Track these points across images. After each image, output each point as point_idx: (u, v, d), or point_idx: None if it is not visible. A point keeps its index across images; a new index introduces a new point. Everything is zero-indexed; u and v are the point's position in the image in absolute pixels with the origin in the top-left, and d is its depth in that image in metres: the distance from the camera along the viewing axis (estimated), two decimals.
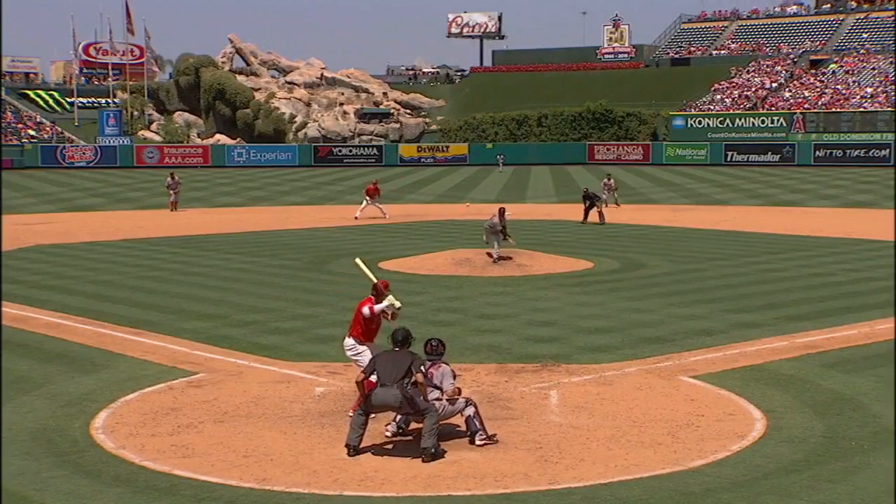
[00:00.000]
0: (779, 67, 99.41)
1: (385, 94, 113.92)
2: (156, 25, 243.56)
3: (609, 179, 46.70)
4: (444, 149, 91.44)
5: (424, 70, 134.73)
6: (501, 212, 26.40)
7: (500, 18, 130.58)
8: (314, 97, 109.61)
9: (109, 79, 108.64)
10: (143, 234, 35.54)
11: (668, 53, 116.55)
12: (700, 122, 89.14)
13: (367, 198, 41.83)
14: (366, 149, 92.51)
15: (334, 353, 15.26)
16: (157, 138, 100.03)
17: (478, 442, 11.18)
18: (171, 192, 46.24)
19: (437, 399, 11.16)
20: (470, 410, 11.38)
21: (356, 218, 40.32)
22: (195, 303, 20.66)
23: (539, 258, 26.74)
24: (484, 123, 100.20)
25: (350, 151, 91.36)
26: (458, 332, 17.29)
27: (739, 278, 23.95)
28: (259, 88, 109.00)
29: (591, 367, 14.88)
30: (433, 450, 10.74)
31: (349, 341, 12.87)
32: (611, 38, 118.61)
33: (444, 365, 11.35)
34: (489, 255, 25.62)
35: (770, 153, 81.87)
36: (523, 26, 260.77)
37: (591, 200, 39.16)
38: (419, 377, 10.92)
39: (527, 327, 17.82)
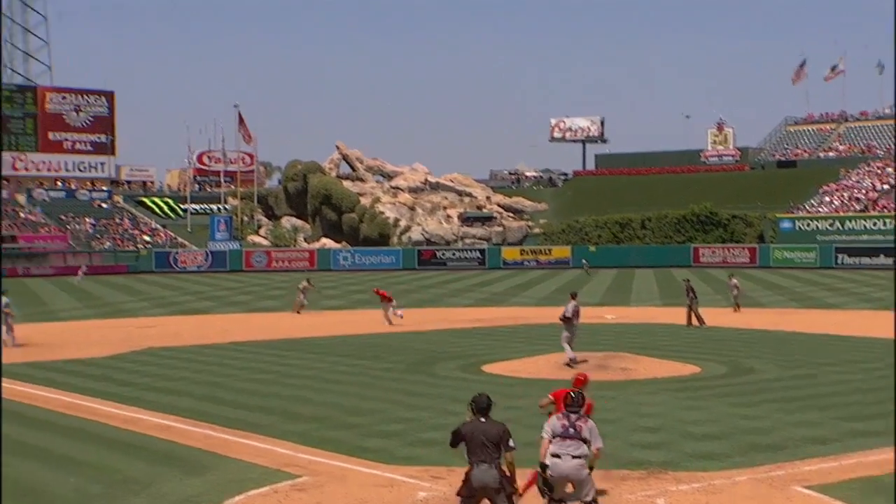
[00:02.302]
0: (890, 169, 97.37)
1: (488, 197, 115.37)
2: (265, 133, 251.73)
3: (732, 279, 46.21)
4: (547, 252, 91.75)
5: (527, 174, 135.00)
6: (574, 295, 26.65)
7: (602, 123, 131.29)
8: (418, 201, 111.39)
9: (221, 185, 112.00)
10: (252, 336, 35.81)
11: (774, 155, 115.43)
12: (808, 225, 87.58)
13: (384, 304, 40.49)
14: (469, 252, 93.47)
15: (437, 456, 15.06)
16: (266, 243, 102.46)
17: None
18: (302, 294, 46.36)
19: (585, 455, 10.94)
20: (593, 493, 11.13)
21: (397, 317, 39.80)
22: (300, 405, 20.69)
23: (643, 362, 26.24)
24: (587, 226, 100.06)
25: (453, 254, 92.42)
26: None
27: (853, 384, 23.07)
28: (364, 193, 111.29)
29: (699, 474, 14.37)
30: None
31: None
32: (715, 141, 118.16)
33: (589, 419, 11.13)
34: (569, 363, 25.05)
35: (882, 256, 79.74)
36: (626, 130, 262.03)
37: (692, 294, 38.36)
38: (510, 457, 10.50)
39: (632, 433, 17.41)
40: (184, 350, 31.67)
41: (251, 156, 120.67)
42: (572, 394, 11.13)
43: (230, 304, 52.57)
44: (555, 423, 10.91)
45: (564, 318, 25.90)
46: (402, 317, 40.26)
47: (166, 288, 65.71)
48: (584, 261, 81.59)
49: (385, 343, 32.89)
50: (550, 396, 13.65)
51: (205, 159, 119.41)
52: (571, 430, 10.86)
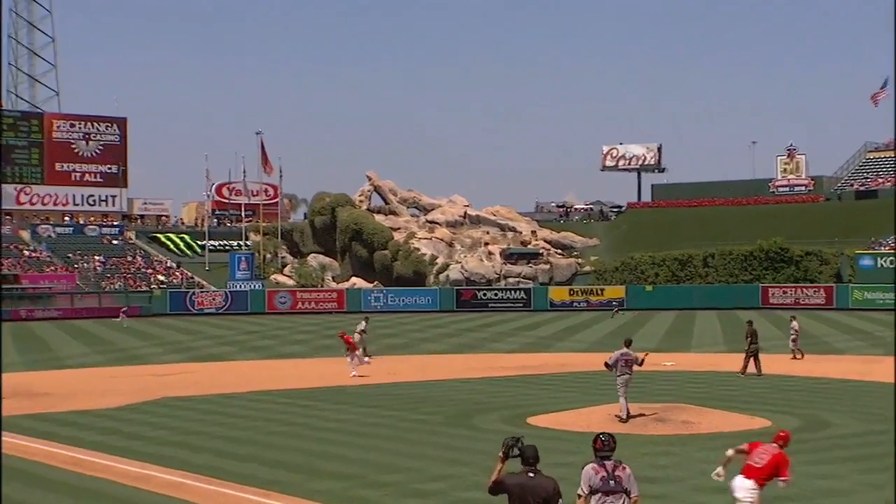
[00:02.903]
0: None
1: (534, 232, 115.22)
2: (290, 163, 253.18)
3: (793, 321, 45.70)
4: (599, 292, 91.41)
5: (576, 206, 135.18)
6: (628, 343, 26.43)
7: (659, 150, 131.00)
8: (457, 237, 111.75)
9: (242, 220, 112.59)
10: (275, 385, 35.99)
11: (852, 185, 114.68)
12: (891, 262, 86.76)
13: (349, 352, 39.84)
14: (513, 292, 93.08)
15: None
16: (290, 282, 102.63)
17: None
18: (359, 336, 43.83)
19: None
20: None
21: (353, 376, 38.61)
22: (328, 461, 20.64)
23: (707, 414, 26.11)
24: (643, 264, 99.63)
25: (496, 295, 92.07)
26: None
27: None
28: (398, 228, 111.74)
29: None
30: None
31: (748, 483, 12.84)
32: (785, 170, 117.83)
33: (626, 466, 10.94)
34: (618, 417, 25.11)
35: None
36: (685, 158, 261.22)
37: (753, 338, 38.14)
38: None
39: (694, 493, 17.30)
40: (201, 400, 31.82)
41: (274, 188, 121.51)
42: (602, 437, 10.89)
43: (252, 350, 52.83)
44: (591, 475, 10.67)
45: (607, 366, 25.92)
46: (369, 362, 40.84)
47: (182, 332, 66.13)
48: (614, 303, 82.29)
49: (421, 393, 32.90)
50: (745, 447, 13.69)
51: (224, 191, 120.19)
52: (612, 483, 10.68)
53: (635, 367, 25.76)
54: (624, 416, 25.03)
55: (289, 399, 31.77)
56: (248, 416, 27.93)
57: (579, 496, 10.71)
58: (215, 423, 26.59)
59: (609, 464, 10.74)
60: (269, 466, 20.19)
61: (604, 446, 10.84)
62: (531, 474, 10.20)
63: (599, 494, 10.61)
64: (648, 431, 23.79)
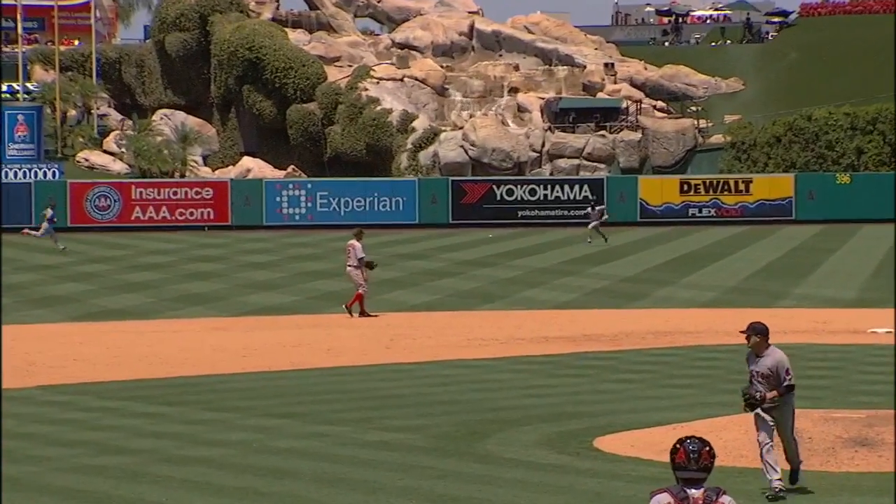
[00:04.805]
0: None
1: (609, 66, 76.47)
2: None
3: None
4: (742, 186, 62.54)
5: (696, 13, 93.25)
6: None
7: None
8: (453, 77, 75.30)
9: (19, 38, 74.59)
10: (89, 372, 26.43)
11: None
12: None
13: None
14: (567, 188, 62.30)
15: None
16: (119, 166, 70.47)
17: None
18: (362, 272, 34.47)
19: None
20: None
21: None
22: None
23: None
24: (831, 127, 67.10)
25: (532, 193, 62.48)
26: None
27: None
28: (337, 59, 74.65)
29: None
30: None
31: None
32: None
33: (728, 499, 8.26)
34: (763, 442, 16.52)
35: None
36: None
37: None
38: None
39: None
40: None
41: None
42: (689, 444, 8.28)
43: (39, 303, 38.25)
44: None
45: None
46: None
47: None
48: (591, 209, 53.64)
49: (383, 387, 24.32)
50: None
51: None
52: None
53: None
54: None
55: (115, 401, 22.95)
56: (30, 435, 19.58)
57: None
58: None
59: (696, 495, 8.17)
60: None
61: (689, 461, 8.29)
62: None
63: None
64: (839, 467, 17.10)
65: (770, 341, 17.06)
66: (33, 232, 51.64)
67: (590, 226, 51.75)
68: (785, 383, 13.85)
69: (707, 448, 8.23)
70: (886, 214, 54.26)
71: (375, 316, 33.74)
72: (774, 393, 14.30)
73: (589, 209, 52.97)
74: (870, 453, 18.26)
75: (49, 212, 52.95)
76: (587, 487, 15.25)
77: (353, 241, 35.08)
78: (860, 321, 32.06)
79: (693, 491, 8.09)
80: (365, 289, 33.59)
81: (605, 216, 51.85)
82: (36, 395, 23.61)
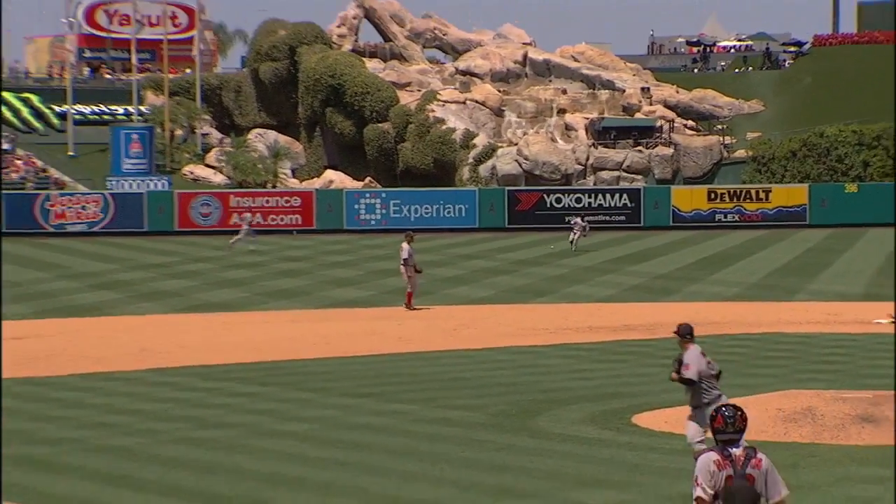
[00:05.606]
0: None
1: (644, 89, 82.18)
2: None
3: None
4: (762, 194, 66.66)
5: (722, 44, 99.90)
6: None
7: None
8: (509, 100, 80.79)
9: (132, 69, 79.49)
10: (188, 357, 28.61)
11: None
12: None
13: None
14: (609, 196, 67.03)
15: None
16: (219, 178, 75.08)
17: None
18: (405, 270, 36.68)
19: None
20: None
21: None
22: (285, 492, 15.77)
23: None
24: (840, 143, 71.99)
25: (578, 201, 66.20)
26: None
27: None
28: (407, 84, 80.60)
29: None
30: None
31: None
32: None
33: (762, 456, 9.11)
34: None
35: None
36: None
37: None
38: None
39: None
40: (60, 384, 24.83)
41: (189, 11, 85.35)
42: (725, 411, 9.29)
43: (148, 297, 41.05)
44: (712, 471, 8.98)
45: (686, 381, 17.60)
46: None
47: (28, 265, 50.80)
48: (580, 219, 54.65)
49: (445, 371, 26.24)
50: None
51: (100, 18, 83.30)
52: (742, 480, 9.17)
53: None
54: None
55: (215, 382, 25.07)
56: (141, 411, 21.59)
57: (700, 500, 8.98)
58: (84, 424, 20.54)
59: (737, 452, 9.11)
60: (179, 499, 15.55)
61: (727, 424, 9.21)
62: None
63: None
64: (846, 440, 18.85)
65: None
66: (238, 236, 54.99)
67: (576, 237, 52.92)
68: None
69: (740, 413, 9.34)
70: (889, 219, 58.07)
71: (418, 309, 35.88)
72: (674, 375, 15.86)
73: (578, 219, 54.35)
74: (875, 430, 19.72)
75: (248, 216, 58.27)
76: (626, 459, 16.75)
77: (403, 244, 37.10)
78: (867, 313, 33.64)
79: (734, 450, 9.19)
80: (410, 286, 35.66)
81: (587, 231, 53.71)
82: (147, 376, 25.42)
